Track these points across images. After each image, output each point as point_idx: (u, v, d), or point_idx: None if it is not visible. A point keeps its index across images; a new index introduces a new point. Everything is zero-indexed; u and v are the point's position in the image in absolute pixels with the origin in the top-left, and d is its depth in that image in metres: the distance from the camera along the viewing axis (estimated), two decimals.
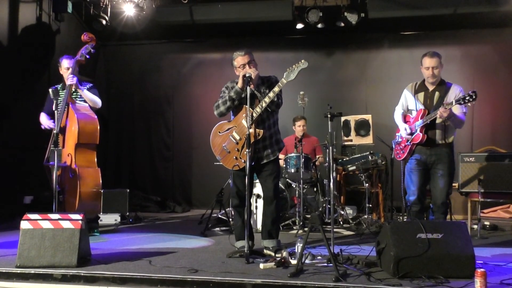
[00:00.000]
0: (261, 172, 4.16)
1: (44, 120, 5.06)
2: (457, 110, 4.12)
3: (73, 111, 4.78)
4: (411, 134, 4.27)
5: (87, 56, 5.00)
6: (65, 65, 5.05)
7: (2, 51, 6.05)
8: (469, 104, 3.97)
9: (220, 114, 4.12)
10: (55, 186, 4.34)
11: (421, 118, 4.20)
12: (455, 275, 3.14)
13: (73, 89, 4.94)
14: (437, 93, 4.24)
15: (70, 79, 4.87)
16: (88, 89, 5.06)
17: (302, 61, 3.89)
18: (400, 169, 6.33)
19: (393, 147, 4.61)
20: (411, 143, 4.26)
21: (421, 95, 4.31)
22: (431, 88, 4.28)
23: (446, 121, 4.14)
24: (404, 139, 4.37)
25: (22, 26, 6.40)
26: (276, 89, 3.89)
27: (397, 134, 4.56)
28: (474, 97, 3.89)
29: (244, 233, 3.78)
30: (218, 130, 4.19)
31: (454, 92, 4.19)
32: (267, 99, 3.89)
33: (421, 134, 4.18)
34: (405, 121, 4.43)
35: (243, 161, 3.95)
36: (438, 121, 4.15)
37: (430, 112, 4.16)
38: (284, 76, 3.90)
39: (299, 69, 3.88)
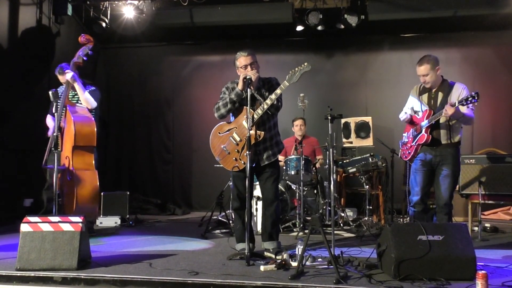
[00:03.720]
0: (261, 174, 4.15)
1: (51, 122, 5.00)
2: (463, 108, 4.14)
3: (70, 113, 4.75)
4: (418, 132, 4.28)
5: (85, 58, 4.96)
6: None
7: (2, 54, 6.05)
8: (470, 105, 4.00)
9: (221, 116, 4.11)
10: (55, 189, 4.31)
11: (426, 119, 4.23)
12: (456, 277, 3.13)
13: (71, 90, 4.90)
14: (440, 93, 4.27)
15: (67, 73, 4.83)
16: (90, 92, 5.02)
17: (305, 64, 3.87)
18: (401, 171, 6.41)
19: (400, 147, 4.62)
20: (416, 144, 4.28)
21: (425, 96, 4.36)
22: (434, 89, 4.31)
23: (451, 120, 4.16)
24: (410, 139, 4.38)
25: (22, 29, 6.40)
26: (278, 91, 3.87)
27: (403, 134, 4.58)
28: (476, 98, 3.89)
29: (245, 236, 3.77)
30: (218, 131, 4.17)
31: (457, 91, 4.20)
32: (268, 101, 3.87)
33: (426, 134, 4.20)
34: (412, 122, 4.44)
35: (242, 162, 3.95)
36: (442, 120, 4.17)
37: (435, 112, 4.18)
38: (287, 79, 3.88)
39: (302, 72, 3.87)
